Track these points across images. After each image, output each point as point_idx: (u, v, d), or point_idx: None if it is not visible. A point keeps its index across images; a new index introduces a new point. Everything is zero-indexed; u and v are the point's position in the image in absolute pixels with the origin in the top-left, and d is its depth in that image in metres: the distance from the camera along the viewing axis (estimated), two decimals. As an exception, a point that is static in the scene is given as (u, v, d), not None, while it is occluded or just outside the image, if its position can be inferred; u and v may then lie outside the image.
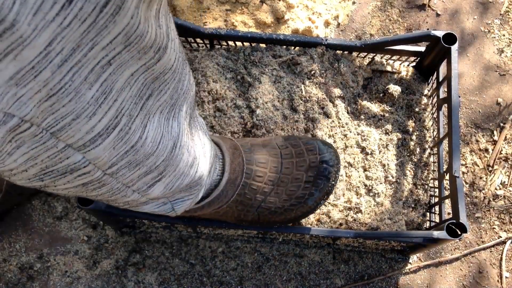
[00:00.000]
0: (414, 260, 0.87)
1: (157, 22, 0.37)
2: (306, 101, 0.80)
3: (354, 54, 0.85)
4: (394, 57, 0.85)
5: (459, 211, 0.68)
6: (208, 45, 0.84)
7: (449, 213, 0.84)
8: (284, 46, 0.83)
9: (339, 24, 1.02)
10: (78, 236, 0.86)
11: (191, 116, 0.53)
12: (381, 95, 0.85)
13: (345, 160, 0.81)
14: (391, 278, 0.86)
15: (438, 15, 1.03)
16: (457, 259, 0.88)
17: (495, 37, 1.02)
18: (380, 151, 0.83)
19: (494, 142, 0.94)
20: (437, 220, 0.77)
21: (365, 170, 0.81)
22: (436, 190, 0.79)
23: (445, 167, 0.77)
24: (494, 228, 0.89)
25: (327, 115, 0.81)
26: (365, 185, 0.80)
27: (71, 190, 0.43)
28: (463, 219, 0.67)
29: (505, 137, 0.95)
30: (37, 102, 0.30)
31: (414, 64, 0.87)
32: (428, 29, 1.02)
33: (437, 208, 0.78)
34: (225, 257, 0.86)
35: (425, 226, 0.80)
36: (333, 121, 0.81)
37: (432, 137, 0.84)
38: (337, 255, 0.87)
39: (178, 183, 0.52)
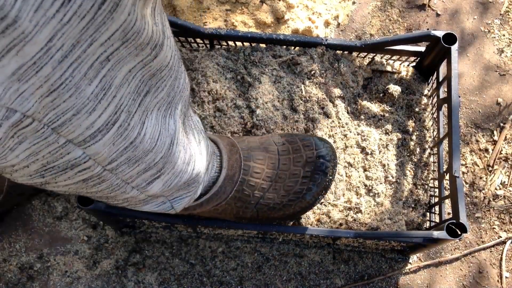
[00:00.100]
0: (414, 260, 0.87)
1: (153, 20, 0.38)
2: (306, 101, 0.80)
3: (354, 54, 0.85)
4: (394, 57, 0.85)
5: (459, 211, 0.68)
6: (208, 45, 0.84)
7: (449, 213, 0.84)
8: (284, 46, 0.83)
9: (339, 24, 1.02)
10: (78, 236, 0.86)
11: (186, 114, 0.54)
12: (381, 95, 0.85)
13: (345, 160, 0.81)
14: (391, 278, 0.86)
15: (438, 15, 1.03)
16: (457, 259, 0.88)
17: (495, 37, 1.02)
18: (380, 151, 0.83)
19: (494, 142, 0.94)
20: (437, 220, 0.77)
21: (365, 170, 0.81)
22: (436, 190, 0.79)
23: (445, 167, 0.78)
24: (494, 228, 0.89)
25: (327, 115, 0.81)
26: (365, 185, 0.80)
27: (72, 186, 0.43)
28: (463, 219, 0.67)
29: (505, 137, 0.95)
30: (39, 98, 0.31)
31: (414, 64, 0.87)
32: (428, 29, 1.02)
33: (437, 208, 0.78)
34: (225, 257, 0.86)
35: (425, 226, 0.80)
36: (333, 121, 0.81)
37: (432, 137, 0.84)
38: (337, 255, 0.87)
39: (176, 181, 0.53)
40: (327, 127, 0.81)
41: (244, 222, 0.71)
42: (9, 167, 0.37)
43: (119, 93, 0.37)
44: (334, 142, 0.81)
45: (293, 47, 0.84)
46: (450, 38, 0.77)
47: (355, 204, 0.78)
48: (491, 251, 0.88)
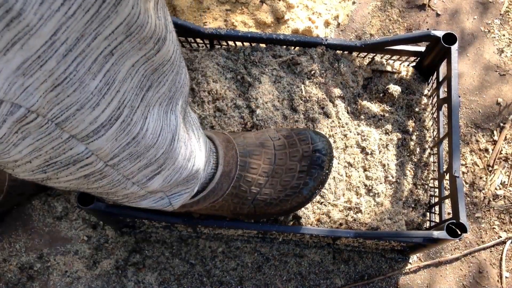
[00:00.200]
0: (414, 260, 0.87)
1: (156, 14, 0.38)
2: (306, 101, 0.80)
3: (354, 54, 0.85)
4: (394, 57, 0.85)
5: (459, 211, 0.68)
6: (208, 45, 0.85)
7: (449, 213, 0.84)
8: (284, 46, 0.83)
9: (339, 24, 1.02)
10: (78, 236, 0.86)
11: (186, 111, 0.54)
12: (381, 95, 0.85)
13: (345, 160, 0.81)
14: (391, 278, 0.86)
15: (438, 15, 1.03)
16: (457, 259, 0.88)
17: (495, 37, 1.02)
18: (380, 151, 0.83)
19: (494, 142, 0.94)
20: (437, 220, 0.77)
21: (365, 170, 0.81)
22: (436, 190, 0.79)
23: (445, 167, 0.78)
24: (494, 228, 0.89)
25: (327, 115, 0.81)
26: (365, 185, 0.80)
27: (73, 182, 0.43)
28: (463, 219, 0.67)
29: (505, 137, 0.95)
30: (43, 93, 0.31)
31: (414, 64, 0.87)
32: (428, 29, 1.02)
33: (437, 208, 0.78)
34: (225, 257, 0.86)
35: (425, 226, 0.80)
36: (333, 121, 0.81)
37: (432, 137, 0.84)
38: (337, 255, 0.87)
39: (176, 177, 0.53)
40: (327, 127, 0.81)
41: (241, 218, 0.71)
42: (12, 163, 0.37)
43: (122, 88, 0.37)
44: (334, 142, 0.81)
45: (293, 47, 0.84)
46: (450, 38, 0.77)
47: (355, 204, 0.78)
48: (491, 251, 0.88)
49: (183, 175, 0.54)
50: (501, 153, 0.94)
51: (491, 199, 0.91)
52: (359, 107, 0.85)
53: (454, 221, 0.67)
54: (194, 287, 0.84)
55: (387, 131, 0.84)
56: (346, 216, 0.78)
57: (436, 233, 0.67)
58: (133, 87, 0.39)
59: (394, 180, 0.81)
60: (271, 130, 0.72)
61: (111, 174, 0.44)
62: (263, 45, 0.83)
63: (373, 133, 0.83)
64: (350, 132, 0.82)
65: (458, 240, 0.70)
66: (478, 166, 0.93)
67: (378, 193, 0.80)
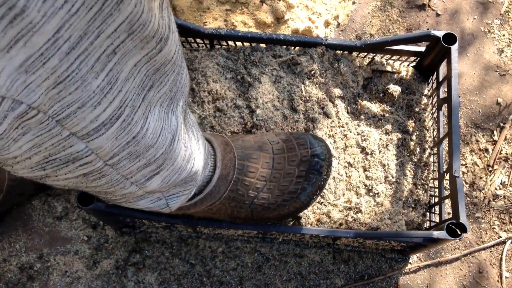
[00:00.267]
0: (414, 260, 0.87)
1: (160, 13, 0.38)
2: (306, 101, 0.80)
3: (354, 54, 0.85)
4: (394, 57, 0.85)
5: (459, 211, 0.68)
6: (208, 45, 0.85)
7: (449, 213, 0.84)
8: (284, 46, 0.83)
9: (339, 24, 1.02)
10: (78, 236, 0.86)
11: (186, 112, 0.54)
12: (381, 95, 0.85)
13: (345, 160, 0.81)
14: (391, 278, 0.86)
15: (438, 15, 1.03)
16: (457, 259, 0.88)
17: (495, 37, 1.02)
18: (380, 151, 0.83)
19: (494, 142, 0.95)
20: (437, 220, 0.77)
21: (365, 170, 0.81)
22: (436, 190, 0.79)
23: (445, 167, 0.78)
24: (494, 228, 0.89)
25: (327, 115, 0.81)
26: (365, 185, 0.80)
27: (72, 180, 0.43)
28: (463, 219, 0.67)
29: (505, 137, 0.95)
30: (45, 90, 0.31)
31: (414, 64, 0.87)
32: (428, 29, 1.02)
33: (437, 208, 0.78)
34: (225, 257, 0.86)
35: (425, 226, 0.80)
36: (333, 121, 0.81)
37: (432, 137, 0.84)
38: (337, 255, 0.87)
39: (175, 177, 0.53)
40: (327, 127, 0.81)
41: (239, 222, 0.71)
42: (11, 159, 0.37)
43: (124, 88, 0.37)
44: (334, 142, 0.81)
45: (293, 47, 0.84)
46: (450, 38, 0.77)
47: (355, 204, 0.78)
48: (491, 251, 0.88)
49: (182, 176, 0.54)
50: (501, 153, 0.94)
51: (491, 199, 0.91)
52: (359, 107, 0.85)
53: (454, 221, 0.67)
54: (194, 287, 0.84)
55: (387, 131, 0.84)
56: (346, 216, 0.78)
57: (436, 233, 0.67)
58: (135, 87, 0.39)
59: (394, 180, 0.81)
60: (270, 134, 0.71)
61: (110, 174, 0.44)
62: (263, 45, 0.83)
63: (373, 133, 0.83)
64: (350, 132, 0.82)
65: (458, 240, 0.70)
66: (478, 166, 0.93)
67: (378, 193, 0.80)
